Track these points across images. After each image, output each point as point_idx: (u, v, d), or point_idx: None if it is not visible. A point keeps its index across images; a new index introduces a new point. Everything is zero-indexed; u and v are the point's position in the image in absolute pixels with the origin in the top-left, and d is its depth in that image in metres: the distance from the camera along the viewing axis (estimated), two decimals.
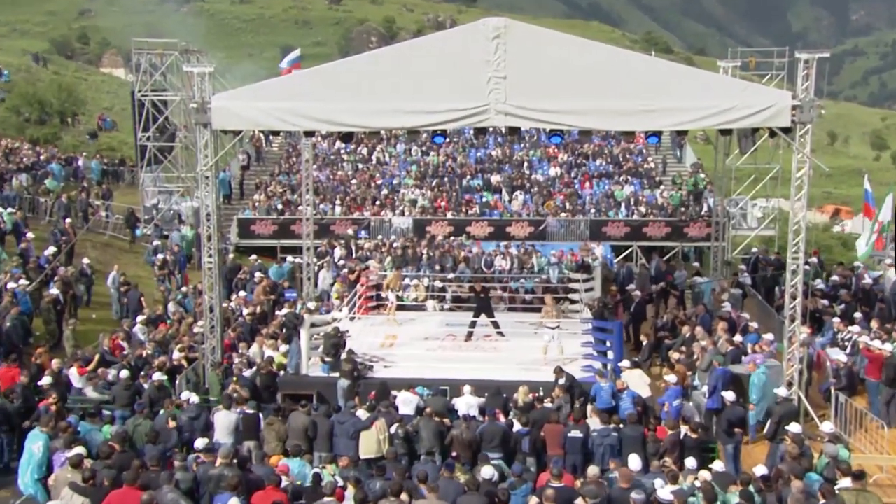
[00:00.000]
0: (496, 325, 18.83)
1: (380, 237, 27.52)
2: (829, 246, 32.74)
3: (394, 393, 14.63)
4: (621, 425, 12.81)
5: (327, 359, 16.31)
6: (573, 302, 20.93)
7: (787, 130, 14.48)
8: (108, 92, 58.52)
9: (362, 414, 13.28)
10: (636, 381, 14.64)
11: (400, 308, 21.91)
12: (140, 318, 18.58)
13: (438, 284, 22.36)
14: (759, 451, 13.70)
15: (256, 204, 30.15)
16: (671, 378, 14.40)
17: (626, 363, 15.15)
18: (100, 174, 32.43)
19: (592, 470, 11.01)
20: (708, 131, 24.25)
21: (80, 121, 44.60)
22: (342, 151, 35.60)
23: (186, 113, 28.07)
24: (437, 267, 23.53)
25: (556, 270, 24.05)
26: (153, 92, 28.65)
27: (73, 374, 15.09)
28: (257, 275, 22.01)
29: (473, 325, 18.72)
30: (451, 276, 22.86)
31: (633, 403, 13.74)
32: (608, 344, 16.52)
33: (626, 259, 27.04)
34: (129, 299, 20.42)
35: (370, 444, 12.87)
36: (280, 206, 29.74)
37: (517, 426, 13.09)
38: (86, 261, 21.75)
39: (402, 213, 29.50)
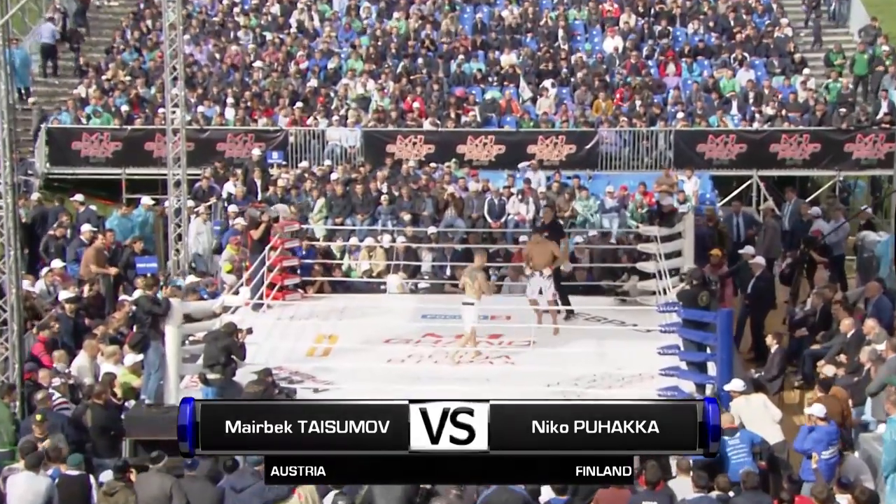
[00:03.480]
0: (565, 300, 19.48)
1: (304, 163, 27.38)
2: None
3: None
4: (731, 493, 12.86)
5: (212, 376, 16.27)
6: (644, 276, 20.99)
7: None
8: None
9: None
10: (757, 415, 14.66)
11: (342, 286, 21.88)
12: None
13: (407, 244, 22.40)
14: None
15: (81, 104, 29.81)
16: (819, 410, 14.39)
17: (738, 383, 15.17)
18: None
19: None
20: None
21: None
22: (236, 11, 35.20)
23: None
24: (407, 216, 23.43)
25: (616, 220, 24.00)
26: None
27: None
28: (85, 230, 21.89)
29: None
30: (430, 230, 22.80)
31: (752, 454, 13.80)
32: (708, 350, 16.56)
33: (738, 200, 26.95)
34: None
35: None
36: (126, 108, 29.43)
37: (548, 494, 13.11)
38: None
39: (345, 122, 29.27)
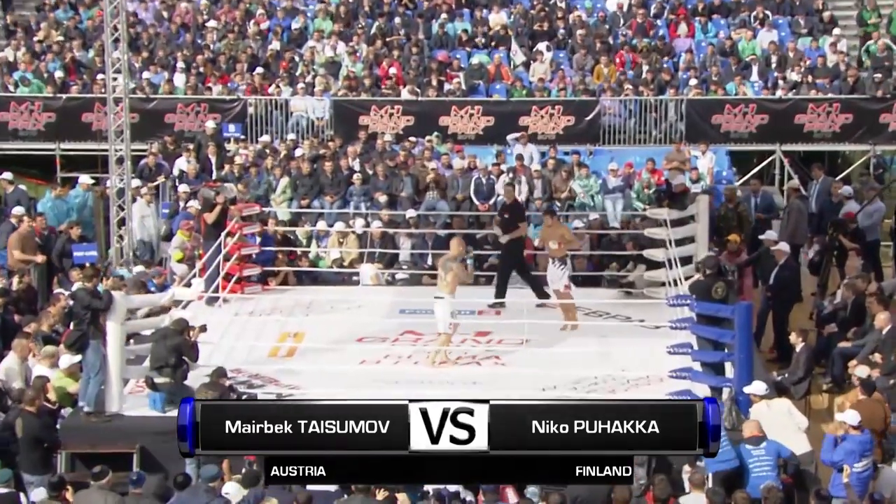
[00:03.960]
0: (539, 290, 19.73)
1: (266, 137, 27.36)
2: None
3: None
4: None
5: (160, 380, 16.30)
6: (652, 265, 21.00)
7: None
8: None
9: (234, 490, 13.32)
10: (780, 422, 14.73)
11: (308, 277, 21.86)
12: None
13: (383, 230, 22.42)
14: None
15: (8, 69, 29.76)
16: (851, 417, 14.44)
17: (759, 386, 15.26)
18: None
19: None
20: None
21: None
22: None
23: None
24: (382, 198, 23.44)
25: (620, 202, 24.06)
26: None
27: None
28: (16, 212, 21.89)
29: (501, 291, 19.58)
30: (409, 213, 22.86)
31: (776, 466, 13.85)
32: (725, 349, 16.59)
33: (758, 178, 27.03)
34: None
35: None
36: (60, 74, 29.40)
37: None
38: None
39: (311, 91, 29.28)
